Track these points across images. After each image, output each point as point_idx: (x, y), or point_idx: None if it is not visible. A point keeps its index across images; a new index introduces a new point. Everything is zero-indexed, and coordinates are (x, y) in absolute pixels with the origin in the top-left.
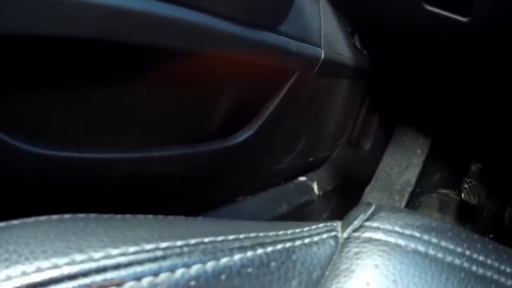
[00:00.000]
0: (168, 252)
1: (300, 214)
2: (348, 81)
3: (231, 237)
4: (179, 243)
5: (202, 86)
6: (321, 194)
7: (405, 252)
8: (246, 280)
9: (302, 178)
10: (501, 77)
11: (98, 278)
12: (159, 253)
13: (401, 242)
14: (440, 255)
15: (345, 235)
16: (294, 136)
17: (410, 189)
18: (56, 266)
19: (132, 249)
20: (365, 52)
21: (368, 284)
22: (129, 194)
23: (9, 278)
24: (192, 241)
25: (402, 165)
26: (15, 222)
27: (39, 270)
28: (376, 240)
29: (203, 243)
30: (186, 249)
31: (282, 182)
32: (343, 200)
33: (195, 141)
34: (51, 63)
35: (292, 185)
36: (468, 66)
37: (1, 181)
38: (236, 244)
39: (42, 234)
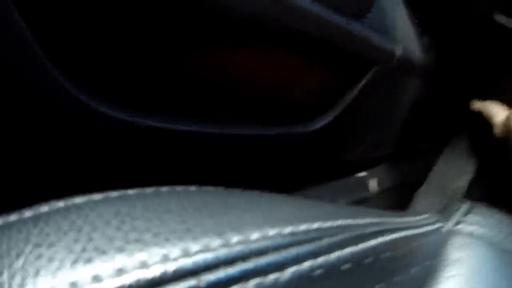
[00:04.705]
0: (321, 233)
1: None
2: (416, 80)
3: (352, 222)
4: (327, 224)
5: (286, 67)
6: (378, 192)
7: (501, 250)
8: (380, 266)
9: (363, 173)
10: None
11: (259, 261)
12: (314, 234)
13: (496, 239)
14: None
15: (448, 228)
16: (364, 129)
17: (460, 197)
18: (208, 249)
19: (287, 229)
20: (431, 54)
21: (474, 273)
22: (197, 171)
23: (145, 265)
24: (326, 225)
25: (455, 171)
26: (131, 192)
27: (186, 254)
28: (476, 235)
29: (340, 226)
30: (333, 231)
31: (344, 176)
32: (396, 201)
33: (272, 123)
34: (151, 26)
35: (353, 180)
36: None
37: (88, 149)
38: (369, 229)
39: (177, 208)
